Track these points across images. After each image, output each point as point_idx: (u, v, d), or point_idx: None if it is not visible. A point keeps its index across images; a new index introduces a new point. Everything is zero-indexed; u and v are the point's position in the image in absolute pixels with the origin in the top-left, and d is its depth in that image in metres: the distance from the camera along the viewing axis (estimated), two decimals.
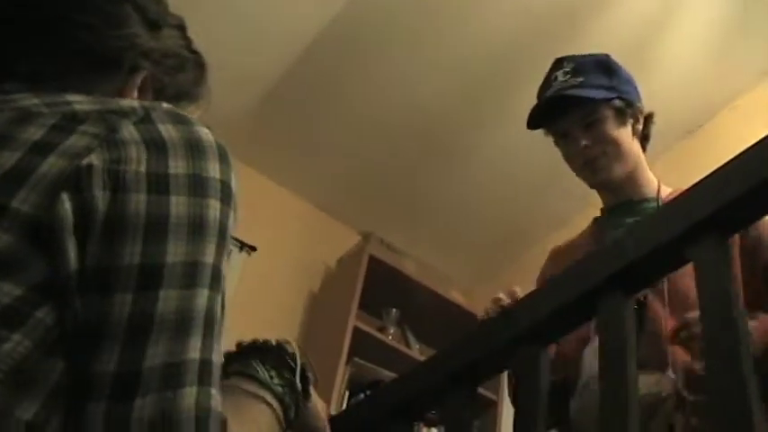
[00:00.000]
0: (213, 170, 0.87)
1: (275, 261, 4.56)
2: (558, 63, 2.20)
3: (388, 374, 4.02)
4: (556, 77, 2.13)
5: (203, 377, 0.78)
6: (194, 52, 1.14)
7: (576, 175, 2.17)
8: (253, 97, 4.28)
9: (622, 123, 2.12)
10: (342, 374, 4.00)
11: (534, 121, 2.16)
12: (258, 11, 3.79)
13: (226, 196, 0.87)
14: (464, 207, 4.63)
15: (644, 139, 2.20)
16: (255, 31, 3.91)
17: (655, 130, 4.05)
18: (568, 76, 2.11)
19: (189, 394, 0.76)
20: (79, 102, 0.87)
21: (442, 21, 3.87)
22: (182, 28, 1.14)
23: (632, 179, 2.13)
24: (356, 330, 4.17)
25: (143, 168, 0.81)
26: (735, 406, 0.85)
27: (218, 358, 0.82)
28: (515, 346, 1.21)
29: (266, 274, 4.48)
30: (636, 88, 2.19)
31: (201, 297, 0.81)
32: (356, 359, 4.09)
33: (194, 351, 0.78)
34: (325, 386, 3.90)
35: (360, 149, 4.55)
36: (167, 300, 0.78)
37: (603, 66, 2.18)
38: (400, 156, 4.54)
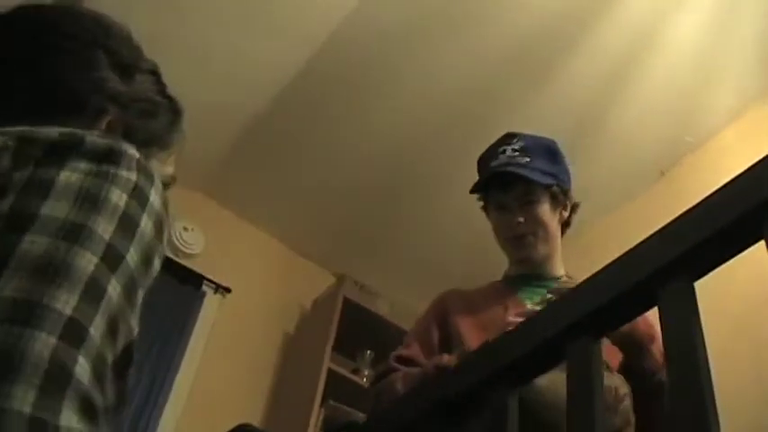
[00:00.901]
0: (130, 173, 0.89)
1: (250, 303, 4.55)
2: (509, 137, 2.27)
3: (362, 416, 4.00)
4: (504, 150, 2.21)
5: (70, 336, 0.72)
6: (168, 98, 1.14)
7: (500, 244, 2.27)
8: (227, 140, 4.29)
9: (554, 209, 2.22)
10: (316, 416, 3.98)
11: (476, 188, 2.22)
12: (234, 55, 3.81)
13: (139, 196, 0.87)
14: (438, 248, 4.64)
15: (566, 225, 2.30)
16: (230, 74, 3.92)
17: (627, 171, 4.12)
18: (516, 153, 2.19)
19: (42, 341, 0.70)
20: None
21: (412, 60, 3.90)
22: (155, 73, 1.13)
23: (548, 260, 2.24)
24: (330, 372, 4.16)
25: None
26: None
27: (98, 335, 0.75)
28: (485, 389, 1.21)
29: (241, 315, 4.47)
30: (570, 178, 2.29)
31: (83, 258, 0.77)
32: (330, 401, 4.07)
33: (62, 304, 0.73)
34: (299, 428, 3.88)
35: (335, 191, 4.56)
36: (34, 243, 0.76)
37: (550, 152, 2.26)
38: (375, 197, 4.55)
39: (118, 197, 0.84)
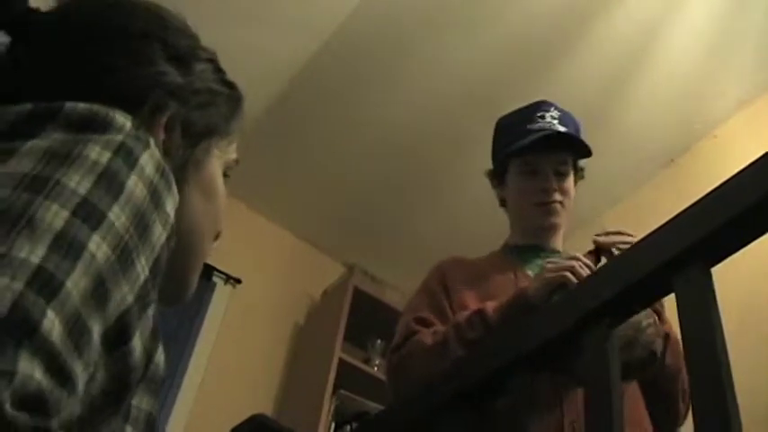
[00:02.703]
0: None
1: (260, 293, 4.56)
2: (545, 104, 2.26)
3: (373, 406, 4.01)
4: (543, 116, 2.20)
5: (38, 285, 0.63)
6: (228, 85, 1.12)
7: (523, 208, 2.24)
8: None
9: (574, 183, 2.24)
10: (327, 406, 3.98)
11: (520, 148, 2.18)
12: (241, 45, 3.80)
13: (125, 155, 0.78)
14: (448, 238, 4.63)
15: None
16: (239, 64, 3.90)
17: (636, 159, 4.11)
18: (556, 121, 2.20)
19: (5, 285, 0.61)
20: None
21: (421, 50, 3.89)
22: (213, 61, 1.11)
23: (558, 233, 2.26)
24: (341, 362, 4.17)
25: None
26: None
27: (77, 293, 0.66)
28: (504, 375, 1.21)
29: (252, 306, 4.48)
30: None
31: (47, 210, 0.68)
32: (342, 391, 4.08)
33: (26, 252, 0.64)
34: (310, 418, 3.89)
35: (344, 182, 4.56)
36: None
37: (577, 127, 2.27)
38: (384, 187, 4.55)
39: (97, 154, 0.76)
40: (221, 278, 4.43)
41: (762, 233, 1.02)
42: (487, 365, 1.25)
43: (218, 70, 1.12)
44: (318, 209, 4.78)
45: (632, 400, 1.86)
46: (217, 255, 4.43)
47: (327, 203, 4.73)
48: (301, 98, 4.13)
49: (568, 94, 3.82)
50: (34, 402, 0.60)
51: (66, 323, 0.64)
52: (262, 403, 4.13)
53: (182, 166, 0.98)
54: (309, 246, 4.96)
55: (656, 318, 1.74)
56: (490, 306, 1.86)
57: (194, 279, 1.06)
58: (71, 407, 0.64)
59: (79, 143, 0.76)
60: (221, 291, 4.42)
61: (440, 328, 1.98)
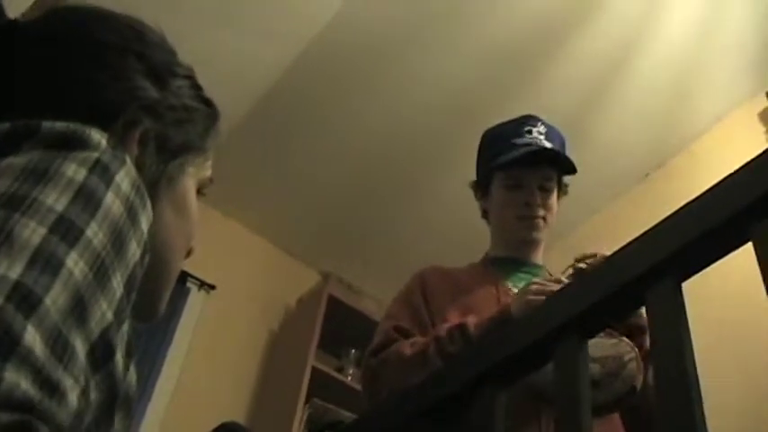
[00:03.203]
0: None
1: (235, 300, 4.54)
2: (532, 119, 2.28)
3: (347, 415, 4.00)
4: (530, 131, 2.22)
5: (16, 300, 0.62)
6: (205, 102, 1.11)
7: (506, 221, 2.25)
8: None
9: (558, 199, 2.26)
10: (300, 415, 3.97)
11: (505, 163, 2.19)
12: (220, 53, 3.80)
13: (101, 172, 0.78)
14: (425, 247, 4.64)
15: None
16: (216, 72, 3.91)
17: (611, 173, 4.13)
18: (542, 136, 2.22)
19: None
20: None
21: (401, 59, 3.90)
22: (191, 78, 1.10)
23: (539, 247, 2.28)
24: (315, 370, 4.16)
25: None
26: None
27: (55, 309, 0.65)
28: (472, 389, 1.22)
29: (226, 312, 4.46)
30: None
31: (25, 227, 0.67)
32: (315, 399, 4.07)
33: (3, 269, 0.63)
34: (283, 426, 3.88)
35: (321, 189, 4.56)
36: None
37: (563, 143, 2.29)
38: (361, 195, 4.56)
39: (74, 171, 0.75)
40: (195, 284, 4.41)
41: (733, 249, 1.03)
42: (457, 377, 1.25)
43: (196, 87, 1.11)
44: (295, 216, 4.77)
45: (609, 422, 1.86)
46: (191, 260, 4.34)
47: (304, 211, 4.72)
48: (279, 105, 4.12)
49: (546, 106, 3.82)
50: (21, 408, 0.59)
51: (47, 339, 0.63)
52: (234, 410, 4.11)
53: (155, 181, 0.98)
54: (285, 253, 4.95)
55: (638, 351, 1.75)
56: (471, 321, 1.86)
57: (166, 295, 1.05)
58: (62, 418, 0.63)
59: (56, 160, 0.76)
60: (195, 297, 4.40)
61: (419, 339, 1.97)
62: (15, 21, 1.00)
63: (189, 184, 1.05)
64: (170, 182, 1.01)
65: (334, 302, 4.46)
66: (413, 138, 4.24)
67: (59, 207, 0.71)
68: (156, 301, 1.04)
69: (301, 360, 4.18)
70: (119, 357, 0.75)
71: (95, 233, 0.73)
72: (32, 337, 0.62)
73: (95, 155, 0.80)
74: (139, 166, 0.93)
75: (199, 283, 4.42)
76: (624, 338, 1.77)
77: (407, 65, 3.92)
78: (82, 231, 0.71)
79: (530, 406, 1.78)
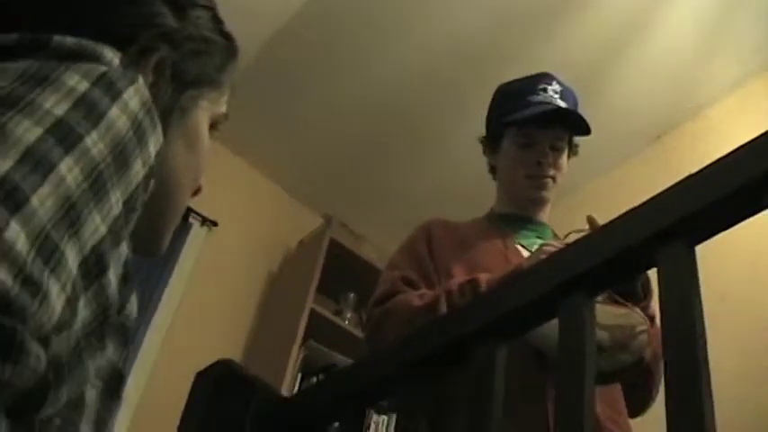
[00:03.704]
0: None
1: (236, 238, 4.55)
2: (547, 77, 2.26)
3: (342, 359, 4.02)
4: (545, 89, 2.20)
5: (1, 195, 0.60)
6: (224, 35, 1.09)
7: (515, 179, 2.24)
8: None
9: (567, 158, 2.26)
10: (295, 356, 3.99)
11: (520, 120, 2.17)
12: None
13: (107, 86, 0.75)
14: (429, 197, 4.62)
15: None
16: (227, 10, 3.86)
17: (624, 133, 4.10)
18: (557, 95, 2.20)
19: None
20: None
21: (416, 5, 3.85)
22: (212, 9, 1.08)
23: (545, 206, 2.28)
24: (313, 313, 4.17)
25: None
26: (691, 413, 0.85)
27: (43, 211, 0.62)
28: (473, 341, 1.20)
29: (226, 250, 4.47)
30: None
31: (19, 125, 0.65)
32: (311, 342, 4.08)
33: None
34: (278, 367, 3.89)
35: (328, 133, 4.53)
36: None
37: (576, 103, 2.27)
38: (368, 141, 4.53)
39: (76, 81, 0.72)
40: (197, 220, 4.40)
41: (749, 215, 1.01)
42: (459, 327, 1.23)
43: (216, 19, 1.09)
44: (301, 158, 4.75)
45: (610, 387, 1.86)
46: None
47: (310, 154, 4.70)
48: (288, 48, 4.09)
49: (560, 61, 3.80)
50: None
51: (33, 238, 0.61)
52: (230, 349, 4.13)
53: (167, 111, 0.96)
54: (289, 194, 4.94)
55: (649, 323, 1.74)
56: (483, 278, 1.84)
57: (169, 230, 1.03)
58: (42, 320, 0.60)
59: (59, 68, 0.73)
60: (197, 232, 4.40)
61: (428, 291, 1.96)
62: None
63: (202, 117, 1.04)
64: (183, 113, 0.99)
65: (335, 246, 4.46)
66: (422, 87, 4.20)
67: (59, 111, 0.68)
68: (159, 235, 1.02)
69: (300, 302, 4.19)
70: (111, 275, 0.72)
71: (95, 143, 0.69)
72: (16, 234, 0.59)
73: (102, 69, 0.76)
74: (153, 94, 0.91)
75: (201, 218, 4.41)
76: (637, 309, 1.75)
77: (419, 13, 3.87)
78: (81, 138, 0.68)
79: (535, 374, 1.77)
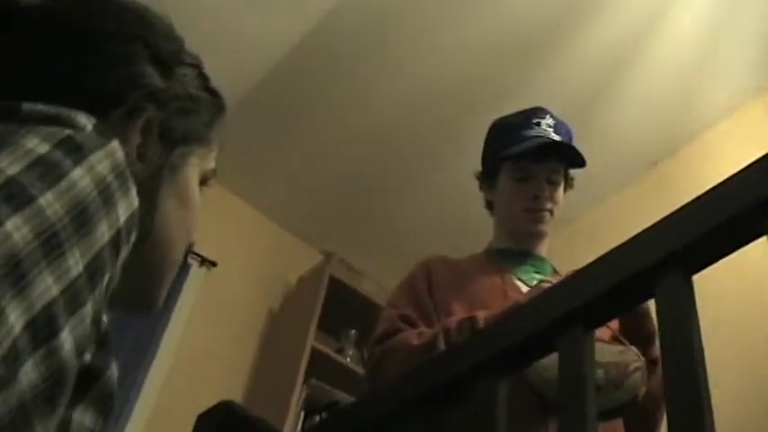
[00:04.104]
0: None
1: (236, 277, 4.53)
2: (540, 111, 2.27)
3: (344, 396, 4.00)
4: (539, 123, 2.21)
5: None
6: (211, 92, 1.09)
7: (512, 213, 2.24)
8: None
9: (564, 192, 2.25)
10: (298, 395, 3.97)
11: (515, 154, 2.18)
12: (228, 28, 3.77)
13: (70, 148, 0.73)
14: (427, 231, 4.62)
15: None
16: (223, 48, 3.89)
17: (620, 160, 4.10)
18: (551, 129, 2.21)
19: None
20: None
21: (410, 41, 3.87)
22: (198, 67, 1.08)
23: (544, 240, 2.27)
24: (314, 351, 4.15)
25: None
26: None
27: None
28: (474, 376, 1.20)
29: (226, 290, 4.45)
30: None
31: None
32: (313, 380, 4.06)
33: None
34: (280, 406, 3.87)
35: (324, 169, 4.54)
36: None
37: (570, 137, 2.27)
38: (364, 176, 4.54)
39: (35, 144, 0.70)
40: (196, 260, 4.39)
41: (746, 242, 1.01)
42: (458, 363, 1.23)
43: (202, 76, 1.09)
44: (298, 195, 4.75)
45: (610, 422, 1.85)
46: None
47: (307, 190, 4.71)
48: (284, 84, 4.10)
49: (554, 92, 3.81)
50: None
51: None
52: (232, 389, 4.11)
53: (157, 171, 0.96)
54: (287, 232, 4.93)
55: (644, 361, 1.73)
56: (481, 315, 1.84)
57: (165, 286, 1.02)
58: None
59: (19, 131, 0.72)
60: (196, 273, 4.39)
61: (426, 330, 1.96)
62: (17, 2, 0.97)
63: (192, 174, 1.03)
64: (173, 171, 0.99)
65: (335, 283, 4.45)
66: (417, 123, 4.22)
67: (11, 171, 0.66)
68: (155, 291, 1.01)
69: (300, 340, 4.17)
70: (65, 338, 0.69)
71: (50, 203, 0.67)
72: None
73: (66, 132, 0.75)
74: (142, 155, 0.92)
75: (200, 259, 4.40)
76: (632, 347, 1.75)
77: (413, 49, 3.89)
78: (33, 198, 0.66)
79: (536, 408, 1.76)
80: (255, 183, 4.70)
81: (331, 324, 4.44)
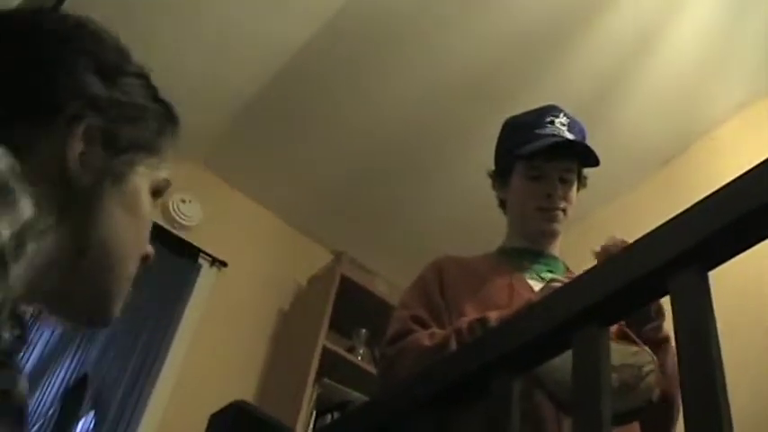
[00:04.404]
0: None
1: (246, 277, 4.54)
2: (554, 109, 2.26)
3: (356, 396, 3.99)
4: (552, 121, 2.20)
5: None
6: (160, 102, 1.08)
7: (525, 212, 2.24)
8: (229, 113, 4.26)
9: (577, 190, 2.26)
10: (309, 394, 3.96)
11: (529, 153, 2.16)
12: (236, 28, 3.77)
13: None
14: (438, 230, 4.62)
15: None
16: (233, 47, 3.89)
17: (632, 159, 4.09)
18: (565, 127, 2.20)
19: None
20: None
21: (418, 40, 3.87)
22: (144, 77, 1.07)
23: (556, 239, 2.27)
24: (325, 350, 4.15)
25: None
26: None
27: None
28: (487, 374, 1.19)
29: (237, 290, 4.46)
30: None
31: None
32: (325, 379, 4.06)
33: None
34: (292, 406, 3.87)
35: (333, 168, 4.54)
36: None
37: (584, 135, 2.27)
38: (375, 175, 4.53)
39: None
40: (207, 260, 4.40)
41: (761, 238, 1.00)
42: (471, 362, 1.22)
43: (149, 86, 1.08)
44: (308, 194, 4.75)
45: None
46: (204, 237, 4.40)
47: (318, 190, 4.71)
48: (293, 83, 4.10)
49: (565, 90, 3.80)
50: None
51: None
52: (243, 389, 4.11)
53: (100, 178, 0.95)
54: (298, 231, 4.93)
55: (657, 362, 1.72)
56: (493, 315, 1.84)
57: (116, 299, 1.01)
58: None
59: None
60: (207, 273, 4.39)
61: (438, 331, 1.95)
62: None
63: (140, 183, 1.02)
64: (118, 179, 0.98)
65: (346, 282, 4.44)
66: (428, 121, 4.21)
67: None
68: (106, 304, 1.00)
69: (312, 339, 4.17)
70: None
71: None
72: None
73: None
74: (84, 162, 0.92)
75: (211, 259, 4.41)
76: (645, 348, 1.73)
77: (424, 46, 3.89)
78: None
79: (550, 408, 1.76)
80: (265, 183, 4.71)
81: (342, 323, 4.43)
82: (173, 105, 1.10)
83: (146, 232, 1.04)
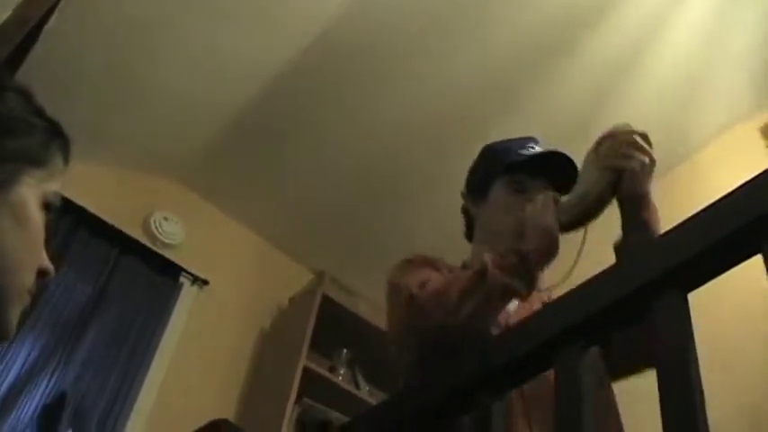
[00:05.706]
0: None
1: (228, 296, 4.52)
2: (534, 140, 2.26)
3: (337, 416, 3.98)
4: (533, 147, 2.21)
5: None
6: (46, 119, 1.09)
7: (503, 227, 2.16)
8: (212, 133, 4.26)
9: None
10: (290, 414, 3.95)
11: (519, 162, 2.18)
12: (220, 47, 3.78)
13: None
14: (417, 249, 4.61)
15: None
16: (217, 68, 3.89)
17: None
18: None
19: None
20: None
21: (401, 64, 3.88)
22: (26, 94, 1.08)
23: None
24: (306, 370, 4.13)
25: None
26: None
27: None
28: (471, 393, 1.19)
29: (218, 309, 4.44)
30: None
31: None
32: (305, 399, 4.05)
33: None
34: (273, 426, 3.85)
35: (316, 188, 4.54)
36: None
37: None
38: (357, 196, 4.54)
39: None
40: (188, 279, 4.38)
41: (741, 260, 1.01)
42: (456, 379, 1.23)
43: (32, 103, 1.09)
44: (290, 214, 4.75)
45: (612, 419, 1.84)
46: (185, 255, 4.39)
47: (300, 209, 4.70)
48: (277, 102, 4.10)
49: (547, 116, 3.83)
50: None
51: None
52: (224, 408, 4.09)
53: None
54: (279, 251, 4.92)
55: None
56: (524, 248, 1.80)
57: (9, 314, 1.00)
58: None
59: None
60: (188, 291, 4.38)
61: (460, 273, 1.89)
62: None
63: (28, 195, 1.03)
64: (2, 188, 0.99)
65: (327, 302, 4.43)
66: (409, 144, 4.22)
67: None
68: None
69: (293, 359, 4.15)
70: None
71: None
72: None
73: None
74: None
75: (192, 277, 4.39)
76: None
77: (410, 66, 3.89)
78: None
79: (519, 406, 1.75)
80: (248, 202, 4.70)
81: (323, 343, 4.42)
82: (59, 123, 1.10)
83: (38, 245, 1.04)
